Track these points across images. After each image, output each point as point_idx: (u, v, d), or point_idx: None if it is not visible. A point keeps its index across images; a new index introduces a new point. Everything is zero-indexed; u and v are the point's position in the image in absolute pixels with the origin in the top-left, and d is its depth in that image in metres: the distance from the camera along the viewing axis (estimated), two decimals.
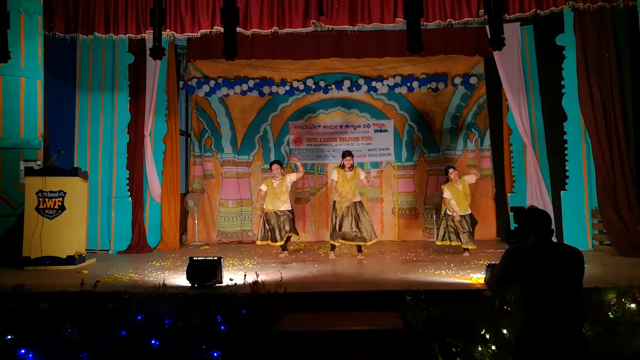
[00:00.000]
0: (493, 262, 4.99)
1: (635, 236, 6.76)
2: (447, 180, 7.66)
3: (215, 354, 3.43)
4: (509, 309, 3.96)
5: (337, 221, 7.37)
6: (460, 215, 7.40)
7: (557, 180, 8.09)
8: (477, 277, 5.14)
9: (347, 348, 3.79)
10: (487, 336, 3.68)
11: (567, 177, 7.88)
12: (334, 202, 7.56)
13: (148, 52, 8.13)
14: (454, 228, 7.42)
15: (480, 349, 3.58)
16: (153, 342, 3.62)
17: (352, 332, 3.96)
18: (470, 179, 7.68)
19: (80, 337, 3.66)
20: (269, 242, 7.76)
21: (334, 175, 7.52)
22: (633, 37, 7.20)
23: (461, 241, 7.37)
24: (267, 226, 7.78)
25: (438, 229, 7.78)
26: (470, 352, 3.58)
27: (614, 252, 6.88)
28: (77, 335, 3.67)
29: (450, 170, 7.65)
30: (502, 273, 2.81)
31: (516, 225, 3.00)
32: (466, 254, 7.37)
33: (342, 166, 7.53)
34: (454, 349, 3.62)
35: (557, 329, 2.58)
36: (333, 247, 7.63)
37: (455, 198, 7.47)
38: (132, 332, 3.76)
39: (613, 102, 7.09)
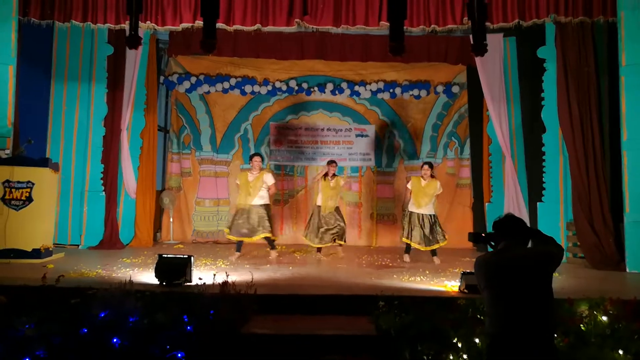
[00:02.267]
0: (468, 271, 4.96)
1: (607, 249, 6.81)
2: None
3: (179, 355, 3.31)
4: (481, 317, 3.92)
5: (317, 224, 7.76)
6: (418, 213, 7.40)
7: (534, 191, 8.14)
8: (451, 285, 5.10)
9: (315, 353, 3.73)
10: (459, 344, 3.62)
11: (544, 188, 7.93)
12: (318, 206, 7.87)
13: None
14: (415, 225, 7.42)
15: (451, 357, 3.53)
16: (115, 340, 3.47)
17: (321, 336, 3.86)
18: (439, 189, 7.61)
19: (37, 332, 3.50)
20: (242, 238, 7.43)
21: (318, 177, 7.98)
22: (612, 53, 7.30)
23: (419, 243, 7.39)
24: (236, 220, 7.49)
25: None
26: (441, 359, 3.52)
27: (587, 265, 6.93)
28: (34, 331, 3.51)
29: (425, 166, 7.66)
30: (478, 285, 2.78)
31: (490, 232, 2.96)
32: (436, 259, 7.38)
33: (325, 174, 7.83)
34: (425, 357, 3.56)
35: (526, 337, 2.53)
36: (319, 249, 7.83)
37: (415, 192, 7.49)
38: (94, 330, 3.61)
39: (591, 117, 7.16)
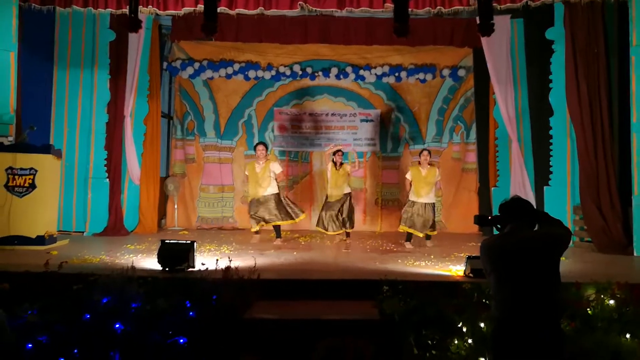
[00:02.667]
0: (473, 255, 4.90)
1: (615, 233, 6.73)
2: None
3: (182, 340, 3.29)
4: (487, 302, 3.87)
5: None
6: (421, 202, 7.35)
7: (541, 175, 8.04)
8: (456, 270, 5.05)
9: (317, 337, 3.70)
10: (464, 329, 3.58)
11: (551, 172, 7.83)
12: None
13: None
14: (414, 215, 7.37)
15: (456, 342, 3.49)
16: (117, 326, 3.46)
17: (324, 321, 3.83)
18: (438, 176, 7.61)
19: (40, 319, 3.49)
20: (262, 224, 7.65)
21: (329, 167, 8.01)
22: (622, 33, 7.15)
23: (419, 230, 7.35)
24: (252, 212, 7.65)
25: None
26: (446, 345, 3.49)
27: (594, 249, 6.85)
28: (36, 317, 3.51)
29: (424, 152, 7.59)
30: (484, 269, 2.73)
31: (496, 215, 2.90)
32: (429, 243, 7.37)
33: (333, 162, 7.89)
34: (429, 342, 3.53)
35: (532, 322, 2.48)
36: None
37: (415, 182, 7.42)
38: (96, 316, 3.60)
39: (600, 98, 7.02)
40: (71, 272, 4.36)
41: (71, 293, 3.86)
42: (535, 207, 2.93)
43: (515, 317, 2.50)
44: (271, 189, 7.61)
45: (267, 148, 7.90)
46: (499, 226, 2.83)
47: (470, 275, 4.64)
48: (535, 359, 2.43)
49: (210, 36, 5.55)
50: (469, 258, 4.80)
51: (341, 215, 7.74)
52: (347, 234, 7.93)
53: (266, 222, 7.62)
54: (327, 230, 7.76)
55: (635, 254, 6.54)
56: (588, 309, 3.86)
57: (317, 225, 7.89)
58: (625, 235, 6.71)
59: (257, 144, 7.88)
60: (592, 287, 4.09)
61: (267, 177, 7.57)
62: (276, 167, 7.72)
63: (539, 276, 2.53)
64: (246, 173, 7.87)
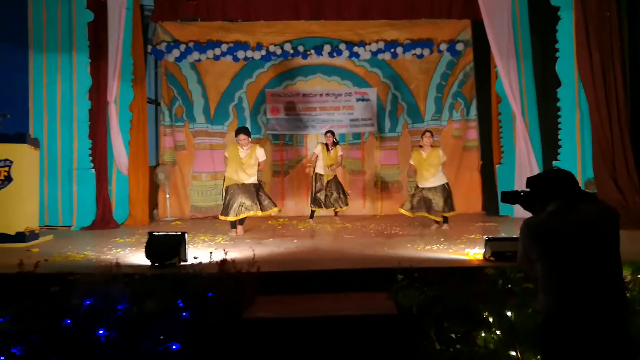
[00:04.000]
0: (493, 236, 4.52)
1: (633, 207, 6.38)
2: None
3: (174, 347, 2.88)
4: (513, 288, 3.50)
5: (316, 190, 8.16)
6: (428, 187, 6.96)
7: (549, 150, 7.70)
8: (474, 253, 4.65)
9: (329, 338, 3.31)
10: (491, 320, 3.20)
11: (560, 146, 7.48)
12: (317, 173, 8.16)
13: (109, 10, 7.53)
14: (422, 199, 7.03)
15: (483, 334, 3.11)
16: (101, 331, 3.05)
17: (334, 317, 3.42)
18: (443, 156, 7.12)
19: (13, 327, 3.08)
20: (243, 215, 6.85)
21: (317, 150, 8.22)
22: None
23: (429, 213, 6.98)
24: (228, 200, 6.85)
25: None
26: (472, 338, 3.11)
27: None
28: (9, 325, 3.09)
29: (426, 134, 7.20)
30: (522, 253, 2.30)
31: (525, 190, 2.47)
32: (442, 226, 6.97)
33: (325, 144, 8.00)
34: (453, 335, 3.15)
35: (590, 315, 2.08)
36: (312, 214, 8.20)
37: (418, 166, 7.06)
38: (77, 321, 3.19)
39: (613, 65, 6.62)
40: (49, 271, 3.92)
41: (49, 296, 3.44)
42: None
43: (567, 310, 2.10)
44: (255, 177, 6.99)
45: (249, 136, 7.10)
46: (532, 205, 2.40)
47: (492, 259, 4.25)
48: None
49: (193, 1, 5.04)
50: (488, 240, 4.41)
51: (336, 194, 8.11)
52: (336, 213, 8.37)
53: (247, 209, 6.81)
54: (322, 207, 8.12)
55: None
56: (626, 292, 3.48)
57: (313, 205, 8.13)
58: None
59: (239, 132, 6.98)
60: (626, 267, 3.72)
61: (254, 164, 6.91)
62: (262, 154, 7.04)
63: (605, 262, 2.14)
64: (226, 155, 7.09)
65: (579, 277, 2.12)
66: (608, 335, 2.07)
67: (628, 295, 3.45)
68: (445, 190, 7.03)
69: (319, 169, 8.11)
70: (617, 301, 2.14)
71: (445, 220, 7.05)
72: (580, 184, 6.96)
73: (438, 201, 6.94)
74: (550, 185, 2.30)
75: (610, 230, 2.19)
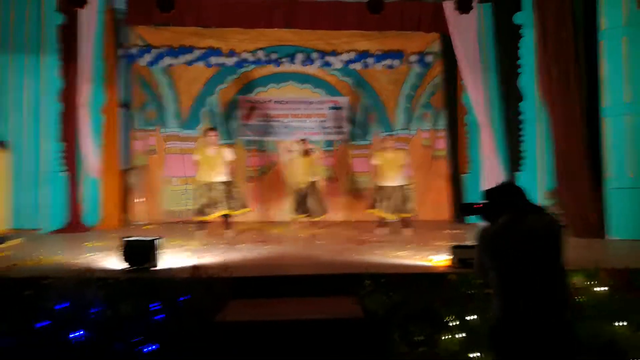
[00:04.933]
0: (459, 244, 4.71)
1: (590, 217, 6.69)
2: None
3: (146, 349, 2.95)
4: (474, 293, 3.68)
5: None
6: (390, 186, 7.33)
7: (512, 161, 7.99)
8: (438, 260, 4.84)
9: (298, 340, 3.43)
10: (453, 324, 3.38)
11: (522, 157, 7.78)
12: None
13: (80, 13, 7.48)
14: (384, 198, 7.34)
15: (445, 337, 3.28)
16: (74, 334, 3.09)
17: (303, 321, 3.54)
18: (405, 157, 7.71)
19: None
20: (208, 216, 7.06)
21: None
22: (589, 17, 7.09)
23: (390, 212, 7.32)
24: (202, 200, 7.09)
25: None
26: (435, 341, 3.28)
27: (569, 233, 6.80)
28: None
29: (385, 138, 7.85)
30: (477, 261, 2.48)
31: (484, 202, 2.63)
32: (404, 231, 7.30)
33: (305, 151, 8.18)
34: (417, 338, 3.31)
35: (535, 320, 2.25)
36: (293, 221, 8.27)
37: (381, 165, 7.46)
38: (50, 325, 3.22)
39: (569, 82, 6.94)
40: (21, 275, 3.93)
41: (21, 300, 3.45)
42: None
43: (516, 313, 2.27)
44: (224, 175, 7.15)
45: (217, 134, 7.48)
46: (487, 216, 2.56)
47: (458, 265, 4.43)
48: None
49: (166, 11, 5.10)
50: (454, 247, 4.60)
51: (311, 201, 8.05)
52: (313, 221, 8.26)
53: (215, 209, 7.01)
54: (303, 214, 8.09)
55: (608, 237, 6.54)
56: (577, 298, 3.72)
57: (297, 212, 8.12)
58: (599, 219, 6.69)
59: (210, 129, 7.44)
60: (579, 273, 3.96)
61: (221, 163, 7.12)
62: (228, 154, 7.24)
63: (550, 269, 2.31)
64: (195, 157, 7.28)
65: (525, 284, 2.29)
66: (553, 339, 2.24)
67: (580, 300, 3.68)
68: (405, 191, 7.45)
69: (299, 176, 8.19)
70: (560, 307, 2.31)
71: (408, 224, 7.32)
72: (540, 195, 7.32)
73: (397, 201, 7.29)
74: (501, 198, 2.47)
75: (554, 241, 2.37)
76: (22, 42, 7.63)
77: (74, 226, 7.67)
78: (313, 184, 8.17)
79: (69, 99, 7.80)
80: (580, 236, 6.48)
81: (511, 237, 2.35)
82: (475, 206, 2.62)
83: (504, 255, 2.34)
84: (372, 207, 7.48)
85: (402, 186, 7.47)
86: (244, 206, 7.29)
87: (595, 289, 3.78)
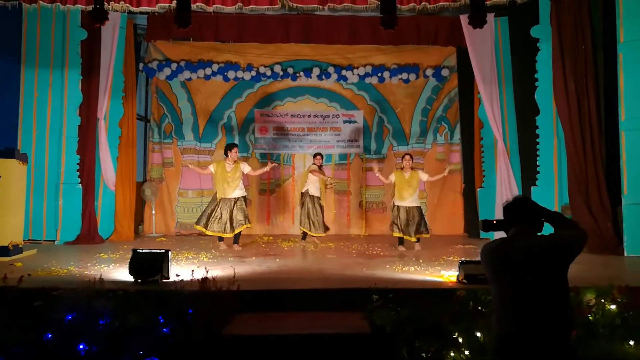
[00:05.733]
0: (466, 259, 4.66)
1: (605, 233, 6.57)
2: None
3: None
4: (483, 309, 3.63)
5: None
6: (408, 207, 7.30)
7: (528, 175, 7.90)
8: (448, 275, 4.79)
9: (306, 354, 3.42)
10: (460, 340, 3.34)
11: (538, 172, 7.69)
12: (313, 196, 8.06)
13: (103, 28, 7.65)
14: (402, 219, 7.31)
15: (452, 354, 3.24)
16: (82, 346, 3.13)
17: (310, 335, 3.53)
18: (423, 176, 7.62)
19: None
20: (220, 233, 7.25)
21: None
22: (608, 29, 7.04)
23: (410, 234, 7.25)
24: (210, 212, 7.33)
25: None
26: (441, 357, 3.24)
27: (585, 250, 6.67)
28: None
29: (406, 157, 7.54)
30: (486, 276, 2.46)
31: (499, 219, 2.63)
32: (417, 246, 7.27)
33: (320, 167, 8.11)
34: (424, 354, 3.27)
35: (540, 338, 2.22)
36: (304, 235, 8.04)
37: (398, 185, 7.39)
38: (59, 335, 3.27)
39: (587, 95, 6.88)
40: (32, 286, 3.99)
41: (31, 310, 3.51)
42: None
43: (520, 333, 2.24)
44: (240, 191, 7.39)
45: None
46: (505, 231, 2.56)
47: (464, 281, 4.39)
48: None
49: (184, 27, 5.20)
50: (462, 263, 4.55)
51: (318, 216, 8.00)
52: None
53: (232, 228, 7.23)
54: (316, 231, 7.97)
55: (625, 254, 6.40)
56: (589, 315, 3.64)
57: (311, 231, 7.96)
58: (616, 235, 6.56)
59: (233, 146, 7.56)
60: (591, 291, 3.88)
61: (237, 178, 7.35)
62: (246, 167, 7.54)
63: (548, 286, 2.27)
64: (212, 171, 7.46)
65: (525, 299, 2.26)
66: (552, 355, 2.20)
67: (591, 318, 3.60)
68: (420, 212, 7.44)
69: (315, 191, 8.06)
70: (560, 323, 2.27)
71: (417, 240, 7.32)
72: (556, 209, 7.21)
73: (414, 221, 7.28)
74: (509, 213, 2.45)
75: (559, 258, 2.33)
76: (47, 57, 7.83)
77: (89, 237, 7.79)
78: (318, 199, 8.10)
79: (89, 113, 7.99)
80: (596, 252, 6.36)
81: (512, 252, 2.33)
82: (494, 222, 2.62)
83: (503, 270, 2.32)
84: (391, 226, 7.44)
85: (418, 207, 7.44)
86: (247, 221, 7.40)
87: (607, 306, 3.69)
